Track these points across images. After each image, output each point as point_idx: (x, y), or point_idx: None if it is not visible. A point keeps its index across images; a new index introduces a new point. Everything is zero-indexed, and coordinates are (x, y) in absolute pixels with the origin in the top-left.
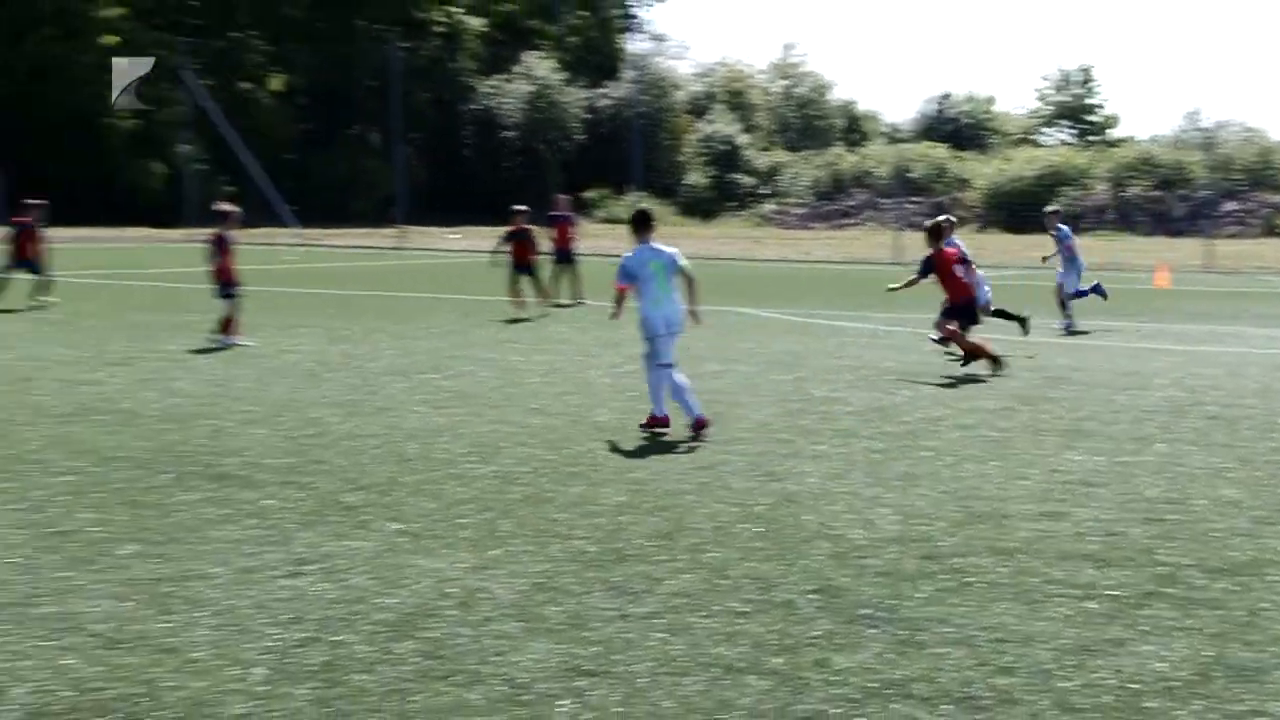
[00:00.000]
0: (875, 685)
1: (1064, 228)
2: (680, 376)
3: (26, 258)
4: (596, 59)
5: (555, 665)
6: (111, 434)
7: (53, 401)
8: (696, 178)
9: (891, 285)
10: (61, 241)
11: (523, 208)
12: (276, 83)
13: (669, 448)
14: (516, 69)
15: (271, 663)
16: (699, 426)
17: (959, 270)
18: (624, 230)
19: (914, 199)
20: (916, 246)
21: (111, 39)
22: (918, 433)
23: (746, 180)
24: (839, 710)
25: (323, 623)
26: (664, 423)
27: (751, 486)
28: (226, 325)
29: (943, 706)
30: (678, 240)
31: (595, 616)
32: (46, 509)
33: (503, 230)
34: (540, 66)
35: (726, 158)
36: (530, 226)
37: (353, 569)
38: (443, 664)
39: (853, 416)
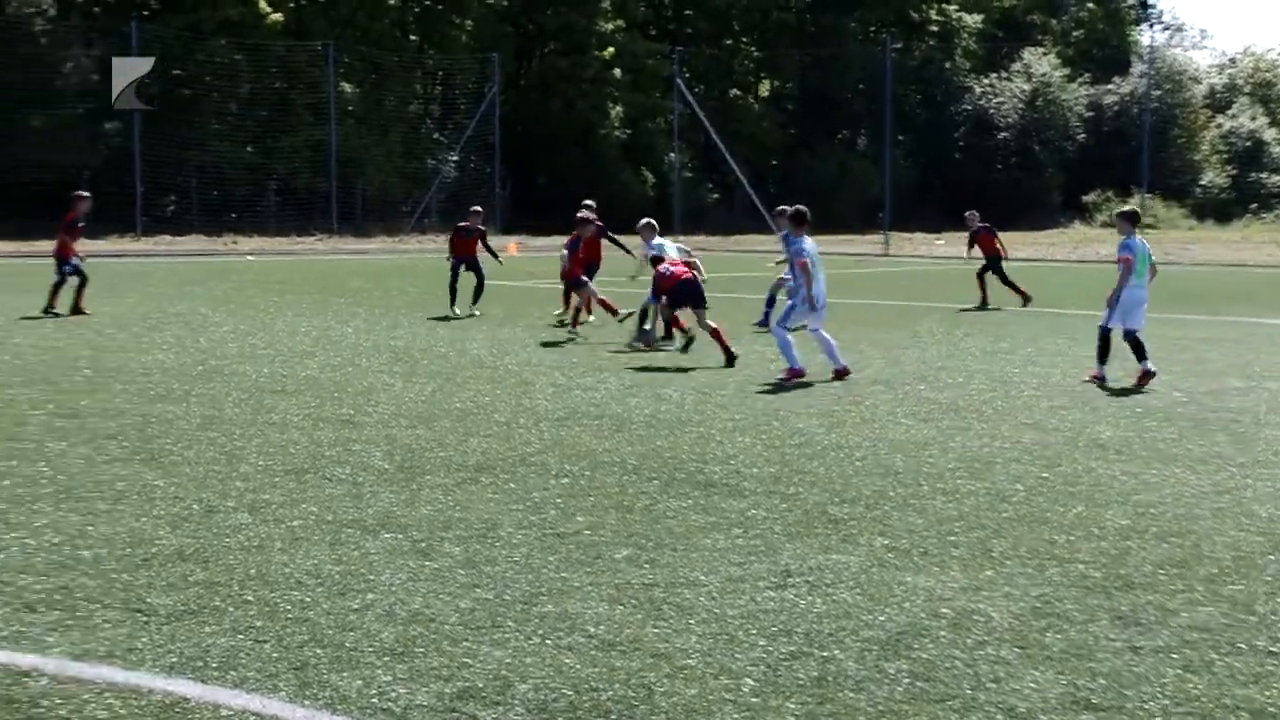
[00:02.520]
0: None
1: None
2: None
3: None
4: (1103, 53)
5: (1056, 697)
6: (603, 438)
7: (549, 405)
8: (1213, 178)
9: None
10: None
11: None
12: (765, 88)
13: (1180, 469)
14: (1014, 66)
15: (761, 674)
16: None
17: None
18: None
19: None
20: None
21: (608, 52)
22: None
23: (1273, 179)
24: None
25: (810, 636)
26: (799, 374)
27: None
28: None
29: None
30: (1187, 247)
31: (1100, 647)
32: (546, 510)
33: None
34: (1040, 63)
35: (1249, 155)
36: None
37: (840, 583)
38: (934, 687)
39: None
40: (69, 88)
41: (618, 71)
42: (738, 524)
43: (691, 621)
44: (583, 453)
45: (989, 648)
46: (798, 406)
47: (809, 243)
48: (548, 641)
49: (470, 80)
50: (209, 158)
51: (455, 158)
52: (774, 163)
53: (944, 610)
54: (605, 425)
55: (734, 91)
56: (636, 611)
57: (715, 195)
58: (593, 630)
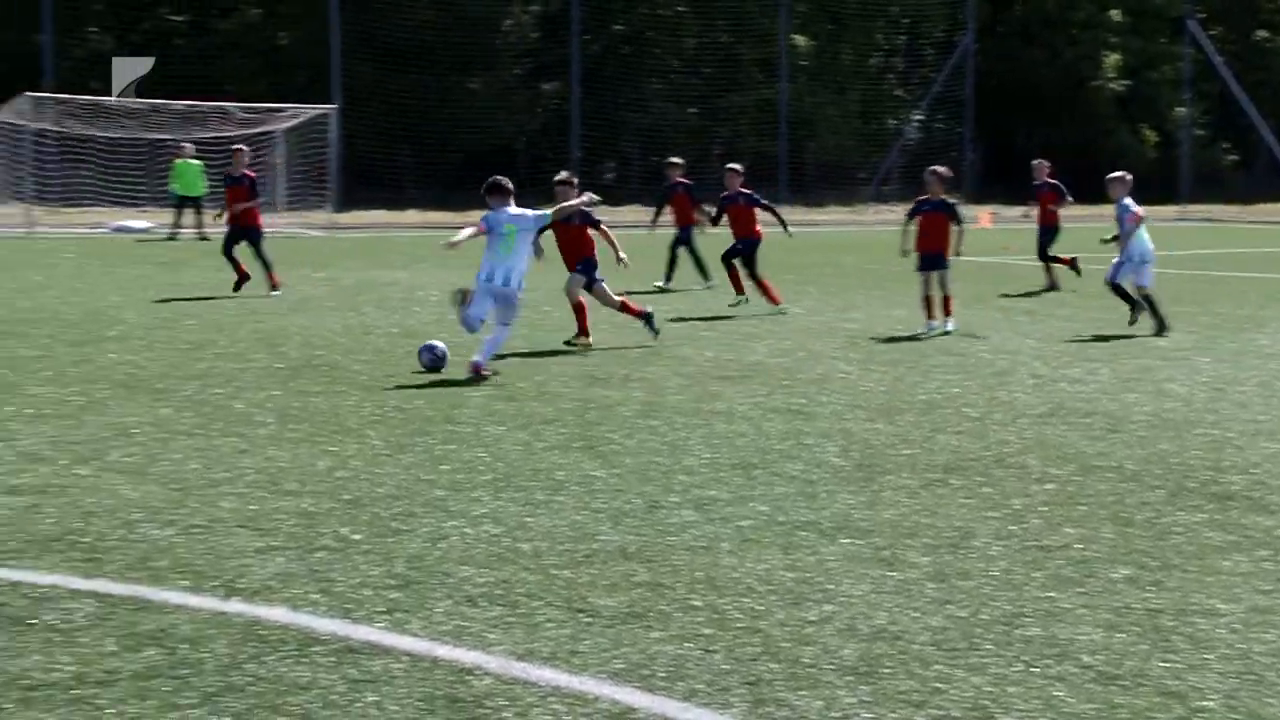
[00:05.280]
0: None
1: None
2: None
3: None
4: None
5: None
6: (1094, 439)
7: (1029, 399)
8: None
9: None
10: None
11: None
12: None
13: None
14: None
15: None
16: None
17: None
18: None
19: None
20: None
21: None
22: None
23: None
24: None
25: None
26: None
27: None
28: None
29: None
30: None
31: None
32: (1027, 519)
33: None
34: None
35: None
36: None
37: None
38: None
39: None
40: (507, 47)
41: (1115, 13)
42: (1264, 544)
43: (1209, 657)
44: (1070, 455)
45: None
46: None
47: (505, 213)
48: (1033, 669)
49: (939, 28)
50: (649, 120)
51: (920, 117)
52: None
53: None
54: (1096, 424)
55: (1260, 33)
56: (1140, 641)
57: (1232, 157)
58: (1087, 659)
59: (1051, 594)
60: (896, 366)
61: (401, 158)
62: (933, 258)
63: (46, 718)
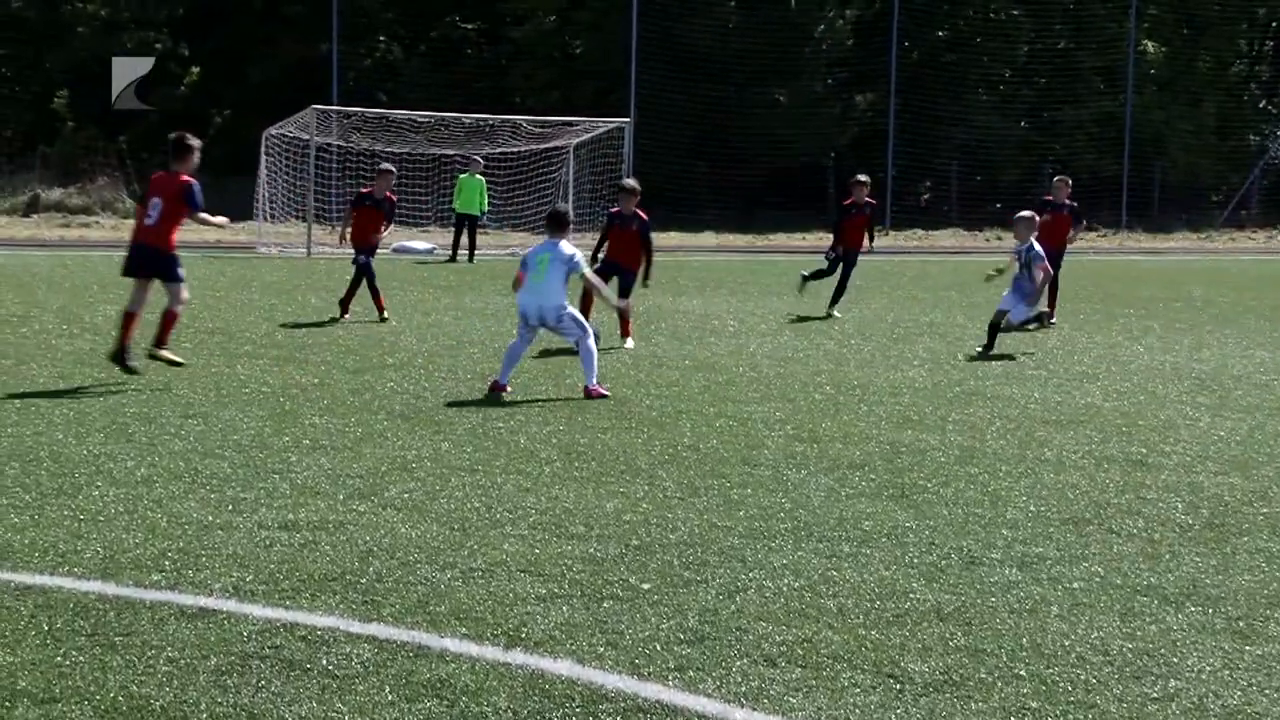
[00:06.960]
0: None
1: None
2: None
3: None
4: None
5: None
6: None
7: None
8: None
9: None
10: None
11: None
12: None
13: None
14: None
15: None
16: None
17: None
18: None
19: None
20: None
21: None
22: None
23: None
24: None
25: None
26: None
27: None
28: None
29: None
30: None
31: None
32: None
33: None
34: None
35: None
36: None
37: None
38: None
39: None
40: (818, 56)
41: None
42: None
43: None
44: None
45: None
46: None
47: (543, 247)
48: None
49: None
50: (973, 135)
51: None
52: None
53: None
54: None
55: None
56: None
57: None
58: None
59: None
60: (1254, 413)
61: (698, 174)
62: None
63: None
